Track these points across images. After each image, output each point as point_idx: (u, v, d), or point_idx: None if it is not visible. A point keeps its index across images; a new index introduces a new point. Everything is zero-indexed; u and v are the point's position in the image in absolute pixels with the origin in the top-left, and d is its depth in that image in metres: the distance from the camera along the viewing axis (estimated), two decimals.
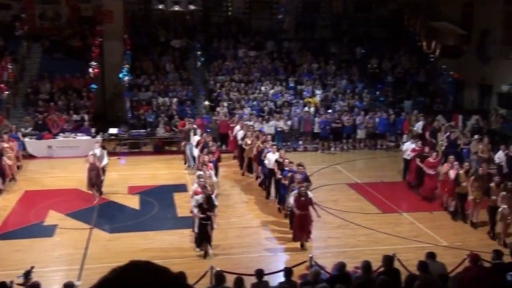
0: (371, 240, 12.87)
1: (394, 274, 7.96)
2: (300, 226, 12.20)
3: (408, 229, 13.68)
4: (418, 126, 20.88)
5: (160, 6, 26.90)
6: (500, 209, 12.63)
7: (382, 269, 8.64)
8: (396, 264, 9.17)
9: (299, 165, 13.88)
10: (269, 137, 18.36)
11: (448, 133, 18.99)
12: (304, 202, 12.11)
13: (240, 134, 19.17)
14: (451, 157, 15.18)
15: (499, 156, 16.75)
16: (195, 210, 11.71)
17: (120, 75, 23.60)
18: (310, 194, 12.39)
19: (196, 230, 11.88)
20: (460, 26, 26.79)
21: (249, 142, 17.95)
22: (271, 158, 15.53)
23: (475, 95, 26.51)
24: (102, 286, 1.39)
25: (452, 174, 14.26)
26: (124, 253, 11.57)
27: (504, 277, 7.07)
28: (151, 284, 1.37)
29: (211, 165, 14.59)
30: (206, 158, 14.77)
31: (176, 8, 25.53)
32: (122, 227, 13.65)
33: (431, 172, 15.42)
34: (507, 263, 8.10)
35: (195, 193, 12.18)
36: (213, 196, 12.11)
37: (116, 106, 24.51)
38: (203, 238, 11.64)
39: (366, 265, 7.88)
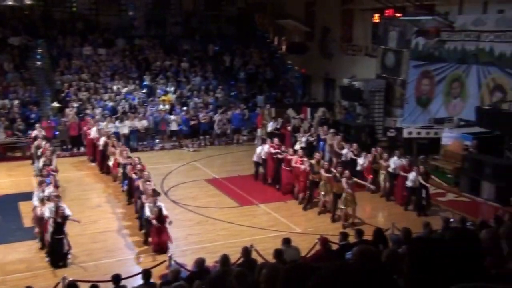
0: (230, 234, 13.12)
1: (250, 264, 8.17)
2: (159, 237, 11.95)
3: (265, 220, 14.19)
4: (271, 126, 21.51)
5: None
6: (343, 195, 13.64)
7: (241, 260, 8.84)
8: (254, 255, 9.45)
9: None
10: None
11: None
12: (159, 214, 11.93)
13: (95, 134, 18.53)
14: (300, 151, 16.05)
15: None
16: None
17: None
18: (161, 205, 12.23)
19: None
20: (304, 24, 28.40)
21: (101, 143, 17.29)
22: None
23: (320, 89, 28.32)
24: None
25: (302, 166, 15.01)
26: None
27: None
28: None
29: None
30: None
31: (10, 2, 23.48)
32: None
33: (287, 168, 15.90)
34: (352, 243, 8.75)
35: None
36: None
37: None
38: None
39: (224, 259, 7.99)
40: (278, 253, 8.33)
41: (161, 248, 11.80)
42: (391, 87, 22.96)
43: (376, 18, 21.78)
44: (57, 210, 11.17)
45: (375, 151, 16.59)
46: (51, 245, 11.11)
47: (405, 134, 19.03)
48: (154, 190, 12.84)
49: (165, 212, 12.06)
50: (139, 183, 13.36)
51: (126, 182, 15.31)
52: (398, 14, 19.88)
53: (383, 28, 22.68)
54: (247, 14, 30.73)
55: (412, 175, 14.54)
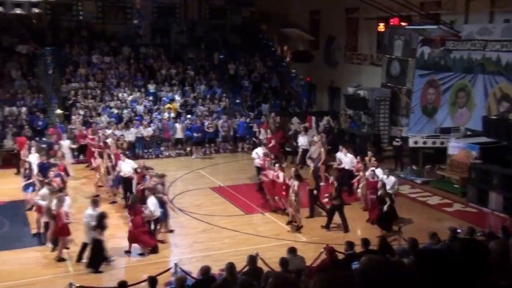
0: (235, 242, 13.10)
1: (256, 273, 8.17)
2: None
3: (270, 228, 14.15)
4: (263, 135, 21.24)
5: None
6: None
7: (246, 269, 8.83)
8: (260, 263, 9.44)
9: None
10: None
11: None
12: None
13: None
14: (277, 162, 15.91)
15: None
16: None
17: None
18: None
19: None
20: (308, 33, 28.50)
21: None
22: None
23: (325, 97, 28.37)
24: None
25: (281, 176, 14.62)
26: None
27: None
28: None
29: (57, 179, 13.73)
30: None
31: (18, 11, 23.65)
32: None
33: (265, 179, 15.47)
34: (358, 253, 8.73)
35: None
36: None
37: None
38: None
39: (230, 267, 7.99)
40: (283, 262, 8.33)
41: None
42: (397, 96, 22.98)
43: (381, 27, 21.82)
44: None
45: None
46: (92, 248, 11.19)
47: (411, 143, 19.01)
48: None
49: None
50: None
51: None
52: (403, 23, 19.90)
53: (388, 37, 22.74)
54: (252, 23, 30.89)
55: None
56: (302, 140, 19.80)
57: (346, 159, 16.59)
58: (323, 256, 9.73)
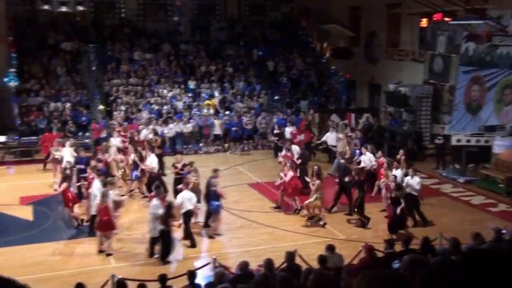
0: (273, 238, 13.12)
1: (295, 269, 8.15)
2: None
3: (308, 225, 14.07)
4: (287, 131, 20.95)
5: (46, 7, 25.54)
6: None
7: (284, 265, 8.83)
8: (298, 260, 9.41)
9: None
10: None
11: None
12: None
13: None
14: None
15: None
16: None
17: (6, 80, 22.08)
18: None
19: None
20: (349, 29, 28.17)
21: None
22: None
23: (365, 94, 28.01)
24: None
25: (289, 175, 14.50)
26: (12, 268, 10.83)
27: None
28: None
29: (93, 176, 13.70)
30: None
31: (64, 9, 24.34)
32: (13, 240, 12.80)
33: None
34: (398, 252, 8.60)
35: None
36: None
37: (2, 112, 22.88)
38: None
39: (268, 263, 7.99)
40: (322, 259, 8.28)
41: None
42: (439, 93, 22.47)
43: (424, 22, 21.36)
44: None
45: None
46: (162, 238, 11.52)
47: (453, 141, 18.55)
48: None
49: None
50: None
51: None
52: (447, 19, 19.42)
53: (431, 32, 22.22)
54: (292, 19, 30.76)
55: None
56: (330, 137, 19.67)
57: (364, 157, 16.20)
58: (361, 254, 9.63)
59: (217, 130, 22.39)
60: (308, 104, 25.05)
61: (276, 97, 25.86)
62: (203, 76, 25.82)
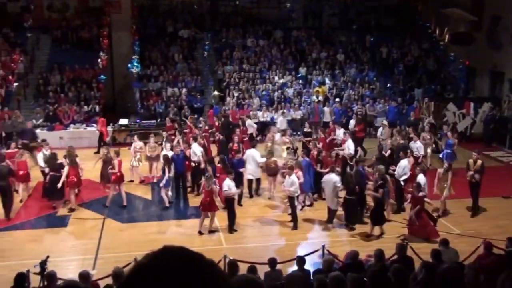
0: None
1: (407, 262, 7.97)
2: None
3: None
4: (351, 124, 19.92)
5: None
6: None
7: (395, 257, 8.65)
8: (409, 252, 9.18)
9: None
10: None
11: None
12: None
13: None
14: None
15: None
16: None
17: (129, 66, 23.62)
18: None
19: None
20: (470, 12, 26.48)
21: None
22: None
23: (486, 82, 26.28)
24: (137, 272, 1.40)
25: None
26: (136, 243, 11.67)
27: None
28: (186, 270, 1.37)
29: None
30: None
31: None
32: (135, 217, 13.80)
33: None
34: None
35: None
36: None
37: (126, 96, 24.58)
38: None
39: (379, 253, 7.90)
40: (436, 254, 8.00)
41: None
42: None
43: None
44: None
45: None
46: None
47: None
48: None
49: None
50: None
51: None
52: None
53: None
54: (408, 3, 29.55)
55: None
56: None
57: (413, 145, 15.56)
58: (479, 251, 9.17)
59: (327, 118, 22.21)
60: (423, 92, 24.05)
61: (389, 85, 25.11)
62: (314, 63, 25.73)
